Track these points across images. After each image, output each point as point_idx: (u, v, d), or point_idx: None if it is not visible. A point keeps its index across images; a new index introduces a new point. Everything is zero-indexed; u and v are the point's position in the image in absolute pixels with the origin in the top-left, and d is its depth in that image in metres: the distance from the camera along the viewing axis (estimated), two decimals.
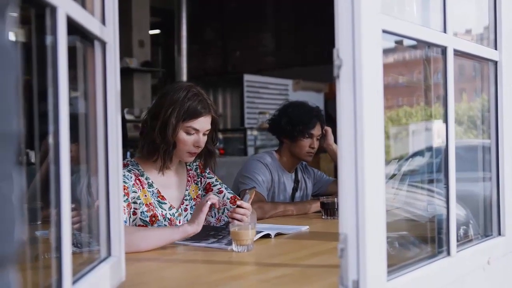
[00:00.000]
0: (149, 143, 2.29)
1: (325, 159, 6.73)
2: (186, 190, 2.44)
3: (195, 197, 2.46)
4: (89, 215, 1.55)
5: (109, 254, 1.44)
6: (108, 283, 1.38)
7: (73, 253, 1.12)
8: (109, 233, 1.45)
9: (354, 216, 1.22)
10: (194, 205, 2.43)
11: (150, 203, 2.28)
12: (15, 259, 0.61)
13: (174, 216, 2.35)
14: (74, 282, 1.14)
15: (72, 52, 1.14)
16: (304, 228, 2.46)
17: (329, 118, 3.42)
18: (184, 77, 9.12)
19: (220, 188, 2.49)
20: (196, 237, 2.11)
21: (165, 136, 2.24)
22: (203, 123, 2.30)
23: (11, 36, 0.61)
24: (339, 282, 1.23)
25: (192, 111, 2.25)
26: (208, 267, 1.80)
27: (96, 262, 1.37)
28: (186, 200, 2.43)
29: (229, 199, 2.44)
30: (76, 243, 1.40)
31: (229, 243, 2.00)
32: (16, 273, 0.62)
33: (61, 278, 1.05)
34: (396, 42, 1.55)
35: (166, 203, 2.33)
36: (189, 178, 2.47)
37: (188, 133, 2.28)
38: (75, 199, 1.17)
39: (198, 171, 2.52)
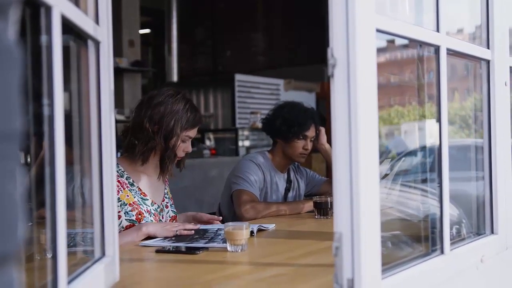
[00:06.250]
0: (149, 149, 2.37)
1: (317, 159, 6.74)
2: (165, 188, 2.57)
3: (171, 197, 2.61)
4: (82, 216, 1.54)
5: (103, 254, 1.44)
6: (103, 283, 1.37)
7: (68, 253, 1.12)
8: (103, 233, 1.44)
9: (349, 214, 1.22)
10: (172, 203, 2.57)
11: (133, 202, 2.35)
12: (18, 257, 0.62)
13: (157, 212, 2.44)
14: (69, 282, 1.14)
15: (65, 51, 1.13)
16: (271, 227, 2.46)
17: (321, 118, 3.42)
18: (175, 77, 9.12)
19: (171, 203, 2.61)
20: (187, 239, 2.11)
21: (169, 145, 2.37)
22: (196, 132, 2.48)
23: (14, 36, 0.61)
24: (334, 281, 1.24)
25: (192, 122, 2.41)
26: (202, 267, 1.80)
27: (90, 262, 1.37)
28: (166, 197, 2.55)
29: (170, 217, 2.55)
30: (69, 243, 1.40)
31: (225, 241, 2.00)
32: (18, 271, 0.62)
33: (56, 278, 1.05)
34: (388, 41, 1.56)
35: (148, 199, 2.42)
36: (166, 179, 2.59)
37: (183, 141, 2.42)
38: (67, 199, 1.16)
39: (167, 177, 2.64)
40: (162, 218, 2.47)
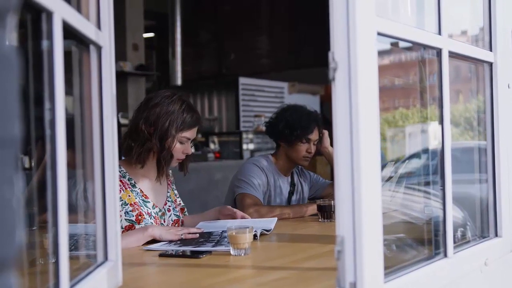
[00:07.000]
0: (146, 151, 2.38)
1: (322, 162, 6.73)
2: (168, 192, 2.57)
3: (174, 200, 2.60)
4: (85, 220, 1.54)
5: (105, 258, 1.44)
6: (105, 287, 1.37)
7: (70, 257, 1.12)
8: (106, 238, 1.44)
9: (351, 218, 1.22)
10: (175, 207, 2.57)
11: (134, 203, 2.37)
12: (16, 262, 0.62)
13: (158, 215, 2.45)
14: (71, 286, 1.14)
15: (67, 56, 1.14)
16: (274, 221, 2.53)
17: (325, 120, 3.41)
18: (179, 81, 9.12)
19: (173, 206, 2.60)
20: (193, 243, 2.11)
21: (165, 146, 2.37)
22: (194, 133, 2.47)
23: (12, 42, 0.62)
24: (337, 284, 1.23)
25: (188, 123, 2.41)
26: (205, 271, 1.80)
27: (93, 267, 1.37)
28: (168, 201, 2.55)
29: (172, 221, 2.55)
30: (71, 247, 1.40)
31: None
32: (16, 276, 0.63)
33: (58, 283, 1.05)
34: (392, 44, 1.56)
35: (149, 202, 2.43)
36: (169, 182, 2.61)
37: (180, 143, 2.42)
38: (71, 204, 1.17)
39: (172, 178, 2.66)
40: (164, 221, 2.47)
